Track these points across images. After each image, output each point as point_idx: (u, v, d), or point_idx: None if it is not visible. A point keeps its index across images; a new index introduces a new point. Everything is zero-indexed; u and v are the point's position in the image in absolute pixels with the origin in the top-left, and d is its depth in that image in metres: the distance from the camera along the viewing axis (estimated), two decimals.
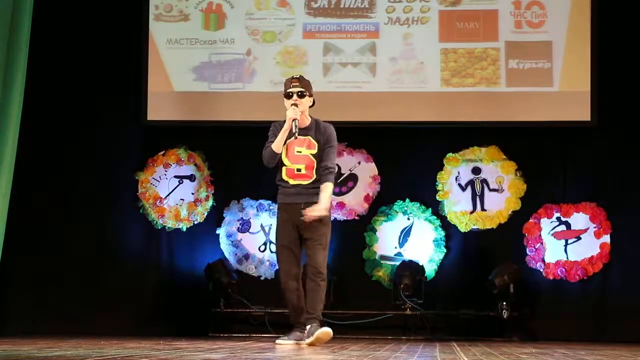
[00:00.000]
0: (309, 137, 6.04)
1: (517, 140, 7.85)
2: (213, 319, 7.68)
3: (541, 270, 7.64)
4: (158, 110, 7.85)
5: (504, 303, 7.37)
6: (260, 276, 7.85)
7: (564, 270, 7.59)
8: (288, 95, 6.05)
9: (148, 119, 7.86)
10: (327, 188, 5.99)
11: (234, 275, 7.70)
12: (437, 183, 7.81)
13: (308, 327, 5.85)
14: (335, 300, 7.56)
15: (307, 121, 6.09)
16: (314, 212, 5.89)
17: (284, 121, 6.01)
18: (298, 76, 6.16)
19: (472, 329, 7.52)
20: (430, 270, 7.70)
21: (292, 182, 6.03)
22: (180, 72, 7.86)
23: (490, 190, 7.79)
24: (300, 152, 6.04)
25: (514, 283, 7.40)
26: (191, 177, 7.98)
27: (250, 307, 7.67)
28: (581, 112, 7.59)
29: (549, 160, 7.81)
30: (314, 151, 6.02)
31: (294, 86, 6.05)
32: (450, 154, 7.84)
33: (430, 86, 7.73)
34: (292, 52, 7.83)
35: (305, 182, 6.01)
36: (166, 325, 7.58)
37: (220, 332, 7.61)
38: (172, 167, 7.96)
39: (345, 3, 7.83)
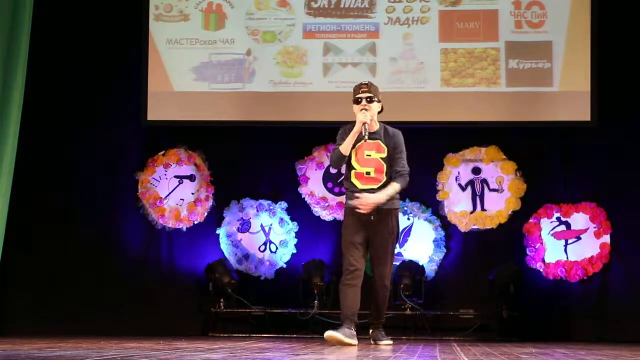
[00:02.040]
0: (378, 140, 6.08)
1: (517, 140, 7.85)
2: (213, 319, 7.68)
3: (541, 270, 7.64)
4: (158, 110, 7.85)
5: (504, 303, 7.37)
6: (260, 276, 7.85)
7: (564, 270, 7.60)
8: (357, 101, 6.08)
9: (148, 119, 7.86)
10: (392, 186, 6.01)
11: (234, 275, 7.70)
12: (437, 183, 7.82)
13: (371, 331, 6.24)
14: (336, 300, 7.55)
15: (376, 126, 6.12)
16: (369, 199, 5.92)
17: (353, 124, 6.03)
18: (367, 82, 6.17)
19: (472, 329, 7.51)
20: (430, 270, 7.70)
21: (360, 186, 6.05)
22: (180, 72, 7.86)
23: (490, 190, 7.79)
24: (369, 155, 6.06)
25: (514, 283, 7.40)
26: (191, 177, 7.98)
27: (250, 307, 7.67)
28: (581, 112, 7.59)
29: (549, 160, 7.81)
30: (383, 155, 6.06)
31: (362, 91, 6.08)
32: (450, 154, 7.84)
33: (430, 86, 7.73)
34: (292, 52, 7.83)
35: (374, 186, 6.03)
36: (166, 325, 7.58)
37: (220, 332, 7.61)
38: (172, 167, 7.96)
39: (345, 3, 7.83)
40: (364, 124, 5.99)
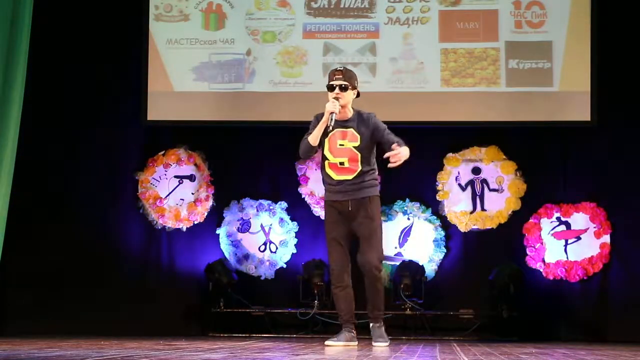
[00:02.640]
0: (351, 129, 5.93)
1: (517, 140, 7.85)
2: (213, 319, 7.68)
3: (541, 270, 7.64)
4: (158, 110, 7.84)
5: (504, 303, 7.37)
6: (260, 276, 7.85)
7: (564, 270, 7.60)
8: (330, 88, 5.94)
9: (148, 119, 7.85)
10: (406, 147, 5.85)
11: (234, 275, 7.70)
12: (437, 183, 7.82)
13: (371, 325, 5.96)
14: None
15: (350, 113, 5.96)
16: (400, 155, 5.78)
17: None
18: (342, 68, 6.03)
19: (472, 329, 7.51)
20: (430, 270, 7.70)
21: (335, 177, 5.93)
22: (180, 72, 7.86)
23: (490, 190, 7.79)
24: (342, 145, 5.92)
25: (514, 283, 7.39)
26: (191, 177, 7.98)
27: (250, 307, 7.67)
28: (581, 112, 7.59)
29: (549, 160, 7.81)
30: (356, 143, 5.90)
31: (336, 79, 5.92)
32: (450, 154, 7.84)
33: (430, 86, 7.73)
34: (292, 52, 7.83)
35: (349, 177, 5.91)
36: (167, 325, 7.58)
37: (220, 332, 7.61)
38: (172, 167, 7.96)
39: (345, 3, 7.83)
40: (331, 113, 5.84)
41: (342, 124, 5.93)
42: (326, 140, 5.94)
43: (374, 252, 5.90)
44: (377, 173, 6.07)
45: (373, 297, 5.95)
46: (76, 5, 8.01)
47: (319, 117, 5.96)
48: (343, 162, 5.92)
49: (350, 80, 5.95)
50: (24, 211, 7.64)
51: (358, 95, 6.06)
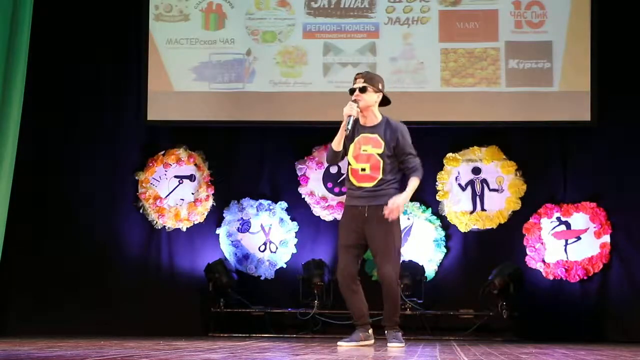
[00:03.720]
0: (377, 135, 5.79)
1: (517, 140, 7.85)
2: (213, 319, 7.68)
3: (541, 270, 7.64)
4: (158, 110, 7.84)
5: (504, 303, 7.37)
6: (260, 276, 7.85)
7: (564, 270, 7.60)
8: (351, 91, 5.84)
9: (148, 119, 7.86)
10: (411, 183, 5.73)
11: (234, 275, 7.70)
12: (437, 183, 7.82)
13: (386, 332, 5.86)
14: (336, 300, 7.56)
15: (376, 119, 5.84)
16: (392, 209, 5.66)
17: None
18: (364, 72, 5.96)
19: (472, 329, 7.51)
20: (430, 270, 7.70)
21: (356, 183, 5.81)
22: (180, 72, 7.86)
23: (490, 190, 7.79)
24: (365, 150, 5.79)
25: (514, 283, 7.39)
26: (191, 177, 7.98)
27: (250, 307, 7.67)
28: (581, 112, 7.59)
29: (549, 160, 7.81)
30: (380, 150, 5.75)
31: (357, 81, 5.82)
32: (450, 154, 7.84)
33: (430, 86, 7.73)
34: (292, 52, 7.83)
35: (369, 185, 5.77)
36: (166, 325, 7.57)
37: (220, 332, 7.61)
38: (172, 167, 7.96)
39: (345, 3, 7.83)
40: (348, 116, 5.71)
41: (368, 129, 5.81)
42: (351, 145, 5.82)
43: (390, 265, 5.77)
44: (398, 184, 5.88)
45: (389, 308, 5.86)
46: (76, 5, 8.01)
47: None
48: (365, 169, 5.78)
49: (372, 82, 5.84)
50: (24, 211, 7.64)
51: (387, 100, 5.92)
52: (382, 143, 5.79)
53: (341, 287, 5.92)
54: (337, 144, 5.79)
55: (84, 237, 7.87)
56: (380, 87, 5.89)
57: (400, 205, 5.72)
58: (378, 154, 5.79)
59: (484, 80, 7.72)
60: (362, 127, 5.85)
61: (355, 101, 5.78)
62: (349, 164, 5.88)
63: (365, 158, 5.81)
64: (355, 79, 5.89)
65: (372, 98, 5.84)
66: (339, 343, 5.84)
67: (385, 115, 5.93)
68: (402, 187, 5.87)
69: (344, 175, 7.62)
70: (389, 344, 5.81)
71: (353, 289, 5.87)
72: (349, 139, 5.83)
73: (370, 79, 5.86)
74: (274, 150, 8.00)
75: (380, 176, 5.78)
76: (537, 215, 7.70)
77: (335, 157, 5.89)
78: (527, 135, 7.84)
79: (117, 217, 7.96)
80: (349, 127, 5.73)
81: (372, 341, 5.92)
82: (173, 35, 7.89)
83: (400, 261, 6.04)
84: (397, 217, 5.82)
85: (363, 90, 5.81)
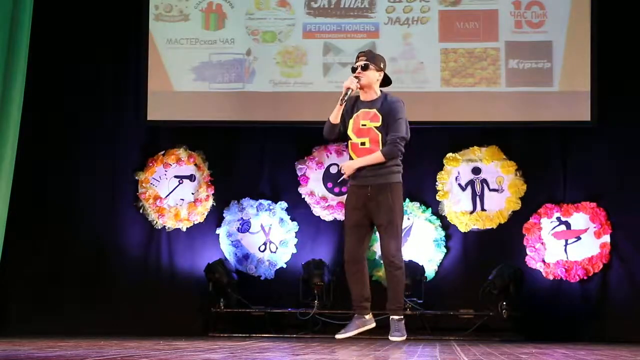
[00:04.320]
0: (375, 109, 5.83)
1: (517, 140, 7.86)
2: (213, 319, 7.68)
3: (541, 270, 7.64)
4: (158, 110, 7.84)
5: (504, 303, 7.37)
6: (260, 276, 7.85)
7: (564, 270, 7.60)
8: (353, 70, 5.88)
9: (148, 119, 7.86)
10: (375, 154, 5.77)
11: (234, 275, 7.70)
12: (437, 183, 7.82)
13: (390, 318, 5.81)
14: (335, 300, 7.57)
15: (375, 95, 5.88)
16: (344, 166, 5.81)
17: (356, 96, 5.83)
18: (366, 50, 6.01)
19: (472, 329, 7.51)
20: (430, 270, 7.70)
21: (356, 157, 5.82)
22: (180, 72, 7.86)
23: (490, 190, 7.79)
24: (365, 125, 5.82)
25: (514, 283, 7.39)
26: (191, 177, 7.98)
27: (250, 307, 7.67)
28: (581, 112, 7.59)
29: (549, 160, 7.81)
30: (378, 124, 5.79)
31: (359, 60, 5.86)
32: (450, 154, 7.84)
33: (430, 86, 7.73)
34: (292, 52, 7.83)
35: None
36: (166, 325, 7.58)
37: (220, 332, 7.61)
38: (172, 167, 7.96)
39: (345, 3, 7.83)
40: (347, 89, 5.75)
41: (367, 104, 5.85)
42: (351, 120, 5.86)
43: (392, 242, 5.77)
44: (399, 160, 5.90)
45: (393, 288, 5.81)
46: (76, 5, 8.01)
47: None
48: (364, 143, 5.82)
49: (374, 60, 5.88)
50: (24, 211, 7.64)
51: (388, 80, 5.96)
52: (380, 117, 5.83)
53: (346, 267, 5.89)
54: (334, 116, 5.85)
55: (84, 237, 7.88)
56: (382, 65, 5.93)
57: (346, 168, 5.82)
58: (376, 127, 5.82)
59: (484, 80, 7.72)
60: (362, 102, 5.90)
61: (356, 77, 5.83)
62: (349, 139, 5.90)
63: (364, 132, 5.85)
64: (358, 57, 5.92)
65: (374, 76, 5.88)
66: (336, 336, 5.84)
67: (384, 92, 5.95)
68: (402, 164, 5.88)
69: (344, 176, 7.65)
70: (390, 337, 5.78)
71: (355, 270, 5.84)
72: (348, 115, 5.88)
73: (372, 57, 5.91)
74: (274, 150, 8.00)
75: (380, 149, 5.80)
76: (537, 215, 7.70)
77: (332, 130, 5.90)
78: (527, 135, 7.84)
79: (117, 217, 7.96)
80: (345, 99, 5.77)
81: (373, 325, 5.87)
82: (173, 35, 7.89)
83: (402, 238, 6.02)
84: (400, 194, 5.85)
85: (365, 67, 5.85)
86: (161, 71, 7.85)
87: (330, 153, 7.90)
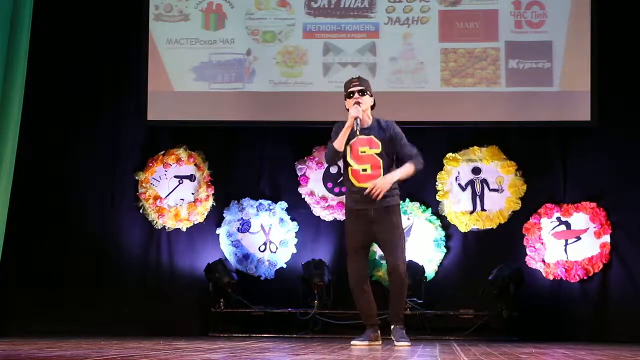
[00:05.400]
0: (372, 136, 5.97)
1: (517, 140, 7.85)
2: (213, 319, 7.67)
3: (541, 270, 7.64)
4: (158, 110, 7.84)
5: (504, 303, 7.37)
6: (260, 276, 7.85)
7: (564, 270, 7.60)
8: (349, 95, 6.00)
9: (148, 119, 7.86)
10: (405, 167, 5.93)
11: (234, 275, 7.70)
12: (437, 183, 7.82)
13: (392, 327, 6.02)
14: (335, 300, 7.57)
15: (369, 120, 6.02)
16: (376, 184, 5.86)
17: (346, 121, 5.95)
18: (357, 76, 6.15)
19: (472, 329, 7.51)
20: (430, 270, 7.70)
21: (357, 184, 5.96)
22: (180, 72, 7.86)
23: (490, 190, 7.79)
24: (364, 152, 5.96)
25: (514, 283, 7.39)
26: (191, 177, 7.98)
27: (250, 307, 7.67)
28: (581, 112, 7.59)
29: (549, 160, 7.81)
30: (378, 150, 5.95)
31: (354, 85, 6.01)
32: (450, 154, 7.84)
33: (430, 86, 7.73)
34: (292, 52, 7.83)
35: (370, 185, 5.92)
36: (166, 325, 7.58)
37: (220, 332, 7.61)
38: (172, 167, 7.96)
39: (345, 3, 7.83)
40: (355, 118, 5.89)
41: (364, 131, 5.96)
42: (347, 147, 5.97)
43: (400, 259, 5.97)
44: (397, 183, 6.05)
45: (397, 302, 6.05)
46: (76, 5, 8.01)
47: (339, 125, 6.02)
48: (366, 169, 5.96)
49: (367, 86, 6.05)
50: (24, 211, 7.64)
51: (374, 104, 6.11)
52: (379, 143, 5.97)
53: (353, 287, 6.07)
54: (340, 144, 5.95)
55: (84, 237, 7.87)
56: (371, 91, 6.11)
57: (386, 184, 5.88)
58: (377, 154, 5.97)
59: (484, 80, 7.72)
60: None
61: (358, 103, 5.95)
62: (348, 165, 6.01)
63: (365, 159, 5.97)
64: (351, 83, 6.06)
65: (369, 101, 6.06)
66: (352, 342, 5.96)
67: (375, 116, 6.10)
68: (399, 186, 6.08)
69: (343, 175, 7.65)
70: (396, 343, 5.93)
71: (364, 290, 6.04)
72: (346, 141, 5.98)
73: (366, 84, 6.08)
74: (274, 150, 8.00)
75: (381, 175, 5.93)
76: (537, 215, 7.70)
77: (336, 157, 6.04)
78: (527, 135, 7.84)
79: (117, 217, 7.96)
80: (358, 128, 5.88)
81: (380, 342, 6.07)
82: (173, 35, 7.89)
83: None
84: (399, 213, 6.04)
85: (363, 93, 6.00)
86: (161, 71, 7.85)
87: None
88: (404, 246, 6.06)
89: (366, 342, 5.96)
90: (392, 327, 6.05)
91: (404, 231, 6.14)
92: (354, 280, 6.04)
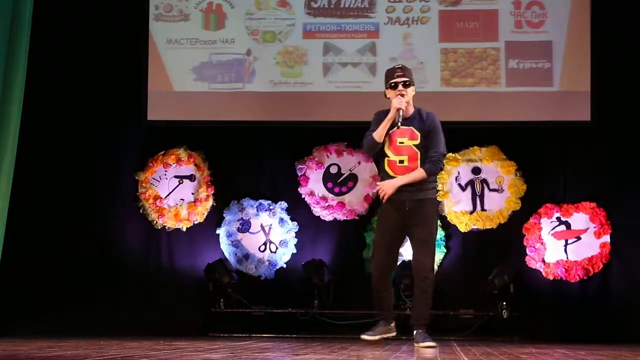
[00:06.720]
0: (412, 127, 5.87)
1: (517, 140, 7.85)
2: (213, 319, 7.67)
3: (541, 270, 7.64)
4: (158, 110, 7.85)
5: (504, 303, 7.37)
6: (260, 276, 7.85)
7: (564, 270, 7.60)
8: (393, 86, 5.89)
9: (148, 119, 7.86)
10: (417, 171, 5.83)
11: (234, 275, 7.70)
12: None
13: (415, 332, 5.87)
14: (335, 300, 7.57)
15: (411, 110, 5.91)
16: (384, 186, 5.83)
17: (388, 110, 5.86)
18: (400, 65, 5.99)
19: (472, 329, 7.51)
20: None
21: (394, 175, 5.86)
22: (180, 72, 7.86)
23: (490, 190, 7.79)
24: (402, 142, 5.86)
25: (514, 283, 7.39)
26: (191, 177, 7.98)
27: (250, 307, 7.67)
28: (581, 112, 7.59)
29: (549, 160, 7.81)
30: (417, 142, 5.85)
31: (398, 76, 5.88)
32: (450, 154, 7.83)
33: (430, 86, 7.73)
34: (292, 52, 7.83)
35: None
36: (166, 325, 7.57)
37: (220, 332, 7.61)
38: (172, 167, 7.96)
39: (345, 3, 7.84)
40: (398, 110, 5.80)
41: (403, 122, 5.85)
42: (386, 137, 5.88)
43: (430, 258, 5.90)
44: (435, 177, 6.02)
45: (422, 304, 5.91)
46: (76, 5, 8.01)
47: (380, 114, 5.92)
48: (403, 160, 5.87)
49: (411, 76, 5.93)
50: (24, 211, 7.64)
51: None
52: (418, 134, 5.87)
53: (375, 283, 6.01)
54: (380, 135, 5.85)
55: (84, 237, 7.87)
56: (413, 80, 5.99)
57: (387, 189, 5.84)
58: (415, 145, 5.88)
59: (484, 80, 7.72)
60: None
61: (402, 95, 5.84)
62: (386, 155, 5.92)
63: (403, 150, 5.88)
64: (394, 72, 5.92)
65: (412, 92, 5.94)
66: (362, 336, 5.96)
67: (417, 107, 5.99)
68: (437, 168, 5.96)
69: (344, 176, 7.60)
70: (422, 344, 5.75)
71: (386, 284, 6.00)
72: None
73: (409, 74, 5.95)
74: (274, 150, 8.00)
75: (417, 167, 5.86)
76: (537, 215, 7.70)
77: (375, 148, 5.90)
78: (527, 135, 7.84)
79: (117, 217, 7.96)
80: (400, 120, 5.79)
81: (394, 333, 6.05)
82: (173, 35, 7.89)
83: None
84: (436, 211, 6.03)
85: (407, 85, 5.89)
86: (161, 71, 7.86)
87: (330, 153, 7.90)
88: (434, 245, 5.97)
89: (377, 336, 5.96)
90: (415, 331, 5.88)
91: (437, 228, 6.03)
92: (375, 276, 5.97)
